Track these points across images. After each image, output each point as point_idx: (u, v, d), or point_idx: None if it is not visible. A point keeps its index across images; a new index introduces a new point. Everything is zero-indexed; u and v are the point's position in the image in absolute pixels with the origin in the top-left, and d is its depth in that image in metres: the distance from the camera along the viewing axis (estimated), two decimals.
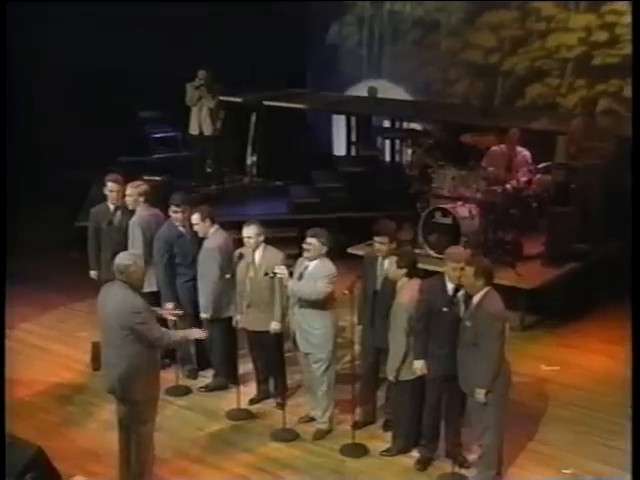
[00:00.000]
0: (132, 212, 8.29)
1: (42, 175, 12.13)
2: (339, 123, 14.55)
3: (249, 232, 7.48)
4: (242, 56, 13.62)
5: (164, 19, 13.09)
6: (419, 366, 6.65)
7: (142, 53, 12.82)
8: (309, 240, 7.09)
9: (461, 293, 6.51)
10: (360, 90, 14.84)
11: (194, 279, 7.94)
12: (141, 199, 8.25)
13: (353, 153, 13.92)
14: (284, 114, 13.69)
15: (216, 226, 7.85)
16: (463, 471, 6.76)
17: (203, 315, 7.81)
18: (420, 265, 7.13)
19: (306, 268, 7.11)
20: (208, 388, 8.13)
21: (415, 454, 6.93)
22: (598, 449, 7.09)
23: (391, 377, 6.85)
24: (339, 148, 14.56)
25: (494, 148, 10.16)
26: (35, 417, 7.57)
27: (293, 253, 7.71)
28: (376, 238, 7.19)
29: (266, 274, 7.30)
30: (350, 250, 9.90)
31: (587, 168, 9.99)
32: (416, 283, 6.76)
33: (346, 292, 6.85)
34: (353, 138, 13.95)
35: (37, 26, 12.79)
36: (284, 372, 7.78)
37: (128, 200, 8.29)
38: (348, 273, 7.29)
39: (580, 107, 11.07)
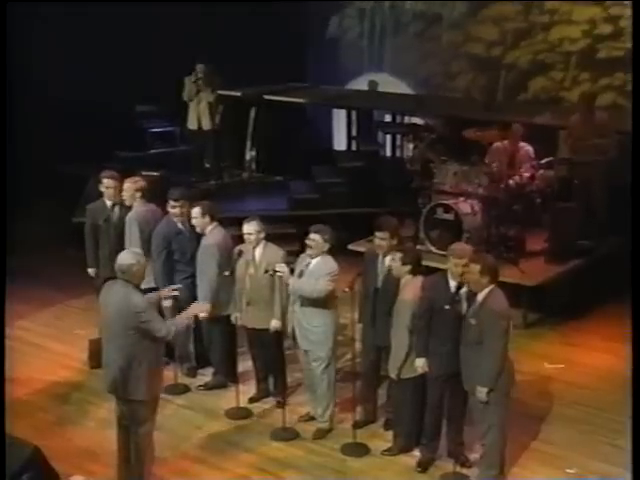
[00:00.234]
0: (129, 208, 8.23)
1: (38, 170, 12.05)
2: (339, 117, 14.46)
3: (250, 229, 7.40)
4: (242, 49, 13.53)
5: (165, 14, 13.01)
6: (420, 364, 6.59)
7: (141, 50, 12.73)
8: (312, 236, 7.01)
9: (464, 290, 6.45)
10: (361, 84, 14.76)
11: (193, 276, 7.85)
12: (138, 195, 8.19)
13: (354, 148, 13.85)
14: (284, 108, 13.59)
15: (214, 223, 7.76)
16: (465, 471, 6.70)
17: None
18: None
19: (307, 265, 7.03)
20: (207, 386, 8.06)
21: (416, 453, 6.87)
22: (603, 448, 7.03)
23: (393, 375, 6.79)
24: (339, 143, 14.47)
25: (497, 144, 10.07)
26: (32, 416, 7.51)
27: (293, 250, 7.63)
28: (377, 234, 7.12)
29: (266, 271, 7.21)
30: (351, 246, 9.82)
31: (589, 163, 9.92)
32: (420, 280, 6.69)
33: (347, 289, 6.79)
34: (354, 133, 13.88)
35: (34, 24, 12.70)
36: (284, 370, 7.72)
37: (125, 196, 8.24)
38: (349, 270, 7.22)
39: (579, 102, 10.92)
